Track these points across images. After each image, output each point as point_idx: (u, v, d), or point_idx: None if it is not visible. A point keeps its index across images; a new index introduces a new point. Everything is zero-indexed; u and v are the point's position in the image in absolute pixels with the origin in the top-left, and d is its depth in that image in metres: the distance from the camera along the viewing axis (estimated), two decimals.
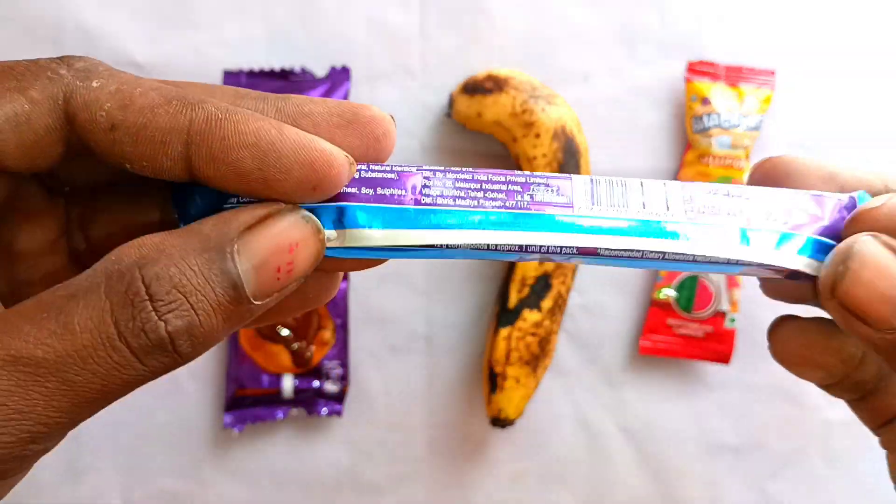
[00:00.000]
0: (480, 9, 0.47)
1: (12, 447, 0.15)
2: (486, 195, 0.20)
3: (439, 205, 0.20)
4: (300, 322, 0.46)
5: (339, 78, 0.46)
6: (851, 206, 0.21)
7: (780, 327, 0.22)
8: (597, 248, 0.20)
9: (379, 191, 0.20)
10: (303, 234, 0.18)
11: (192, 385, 0.46)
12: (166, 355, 0.16)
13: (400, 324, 0.47)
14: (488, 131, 0.45)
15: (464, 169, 0.21)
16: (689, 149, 0.47)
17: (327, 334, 0.46)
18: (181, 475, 0.46)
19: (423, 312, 0.47)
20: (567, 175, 0.21)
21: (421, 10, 0.47)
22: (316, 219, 0.19)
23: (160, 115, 0.17)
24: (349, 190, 0.20)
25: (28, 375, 0.15)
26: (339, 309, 0.46)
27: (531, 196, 0.20)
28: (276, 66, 0.46)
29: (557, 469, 0.48)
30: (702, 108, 0.46)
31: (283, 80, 0.46)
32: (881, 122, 0.48)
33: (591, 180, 0.21)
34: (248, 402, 0.46)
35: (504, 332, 0.44)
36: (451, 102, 0.45)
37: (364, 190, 0.20)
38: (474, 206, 0.20)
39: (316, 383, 0.46)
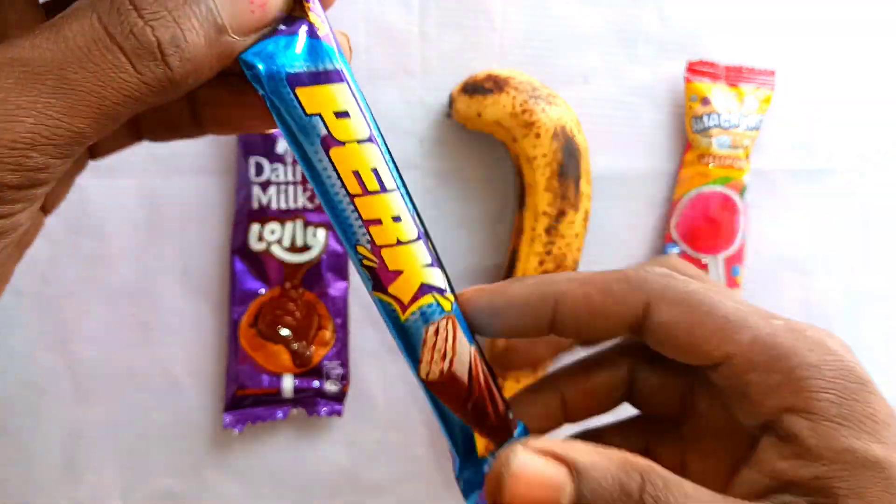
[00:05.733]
0: (480, 9, 0.47)
1: (13, 147, 0.16)
2: None
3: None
4: (300, 322, 0.46)
5: None
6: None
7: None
8: None
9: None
10: None
11: (192, 385, 0.46)
12: (157, 65, 0.17)
13: None
14: (488, 131, 0.45)
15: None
16: (689, 149, 0.47)
17: (327, 334, 0.46)
18: (181, 475, 0.46)
19: None
20: None
21: (421, 10, 0.47)
22: None
23: None
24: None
25: (25, 73, 0.16)
26: (338, 309, 0.46)
27: None
28: None
29: None
30: (702, 108, 0.46)
31: None
32: (881, 122, 0.48)
33: None
34: (248, 402, 0.46)
35: None
36: (451, 102, 0.45)
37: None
38: None
39: (316, 383, 0.46)
